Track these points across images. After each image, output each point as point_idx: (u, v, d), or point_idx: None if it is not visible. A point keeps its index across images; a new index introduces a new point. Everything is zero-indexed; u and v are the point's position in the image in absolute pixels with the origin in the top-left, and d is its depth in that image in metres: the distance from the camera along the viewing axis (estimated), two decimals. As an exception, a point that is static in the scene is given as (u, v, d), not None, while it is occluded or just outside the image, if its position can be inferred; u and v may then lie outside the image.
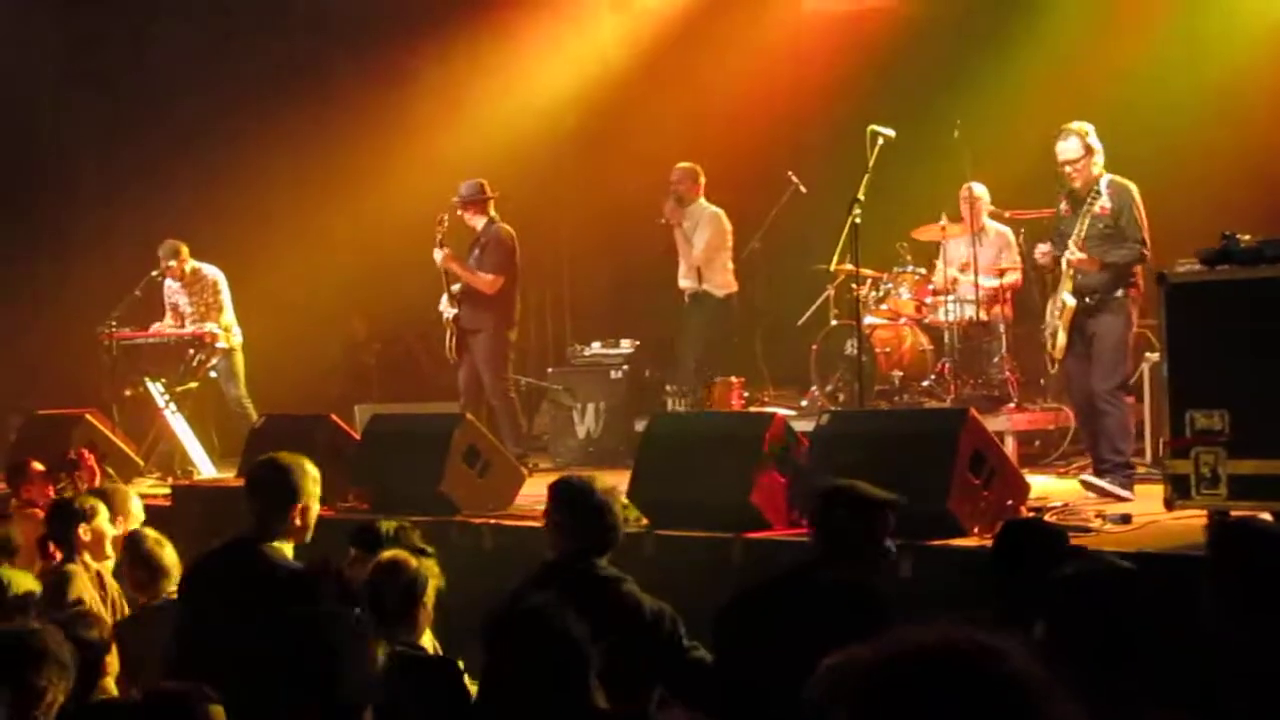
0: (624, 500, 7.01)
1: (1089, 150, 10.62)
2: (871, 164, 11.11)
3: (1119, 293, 10.65)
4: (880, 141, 11.22)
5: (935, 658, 2.35)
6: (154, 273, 15.04)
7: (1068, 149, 10.66)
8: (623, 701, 6.21)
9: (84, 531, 8.64)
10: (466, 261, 13.73)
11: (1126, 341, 10.75)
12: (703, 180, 13.81)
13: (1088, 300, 10.64)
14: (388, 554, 6.95)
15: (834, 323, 14.42)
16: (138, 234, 15.86)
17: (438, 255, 13.63)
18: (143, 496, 12.54)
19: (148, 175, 18.07)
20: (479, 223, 13.75)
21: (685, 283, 13.88)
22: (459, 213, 13.77)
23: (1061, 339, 10.75)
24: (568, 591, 6.54)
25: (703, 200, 13.80)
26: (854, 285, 12.45)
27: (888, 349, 14.05)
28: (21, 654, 5.38)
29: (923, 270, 14.19)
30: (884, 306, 14.23)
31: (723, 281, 13.72)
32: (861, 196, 10.98)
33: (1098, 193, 10.48)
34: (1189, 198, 13.94)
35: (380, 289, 17.72)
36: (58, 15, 18.96)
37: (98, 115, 19.07)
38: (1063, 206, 11.00)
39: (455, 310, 13.70)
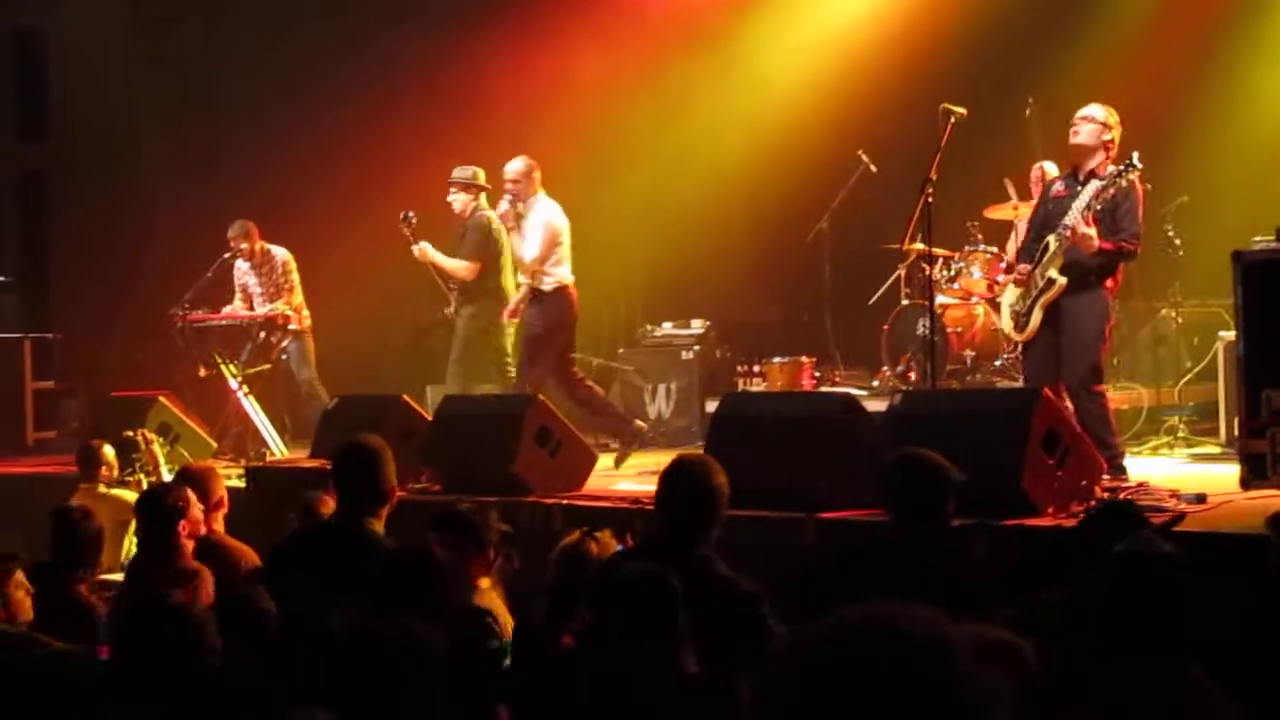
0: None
1: (1106, 126, 10.30)
2: (944, 143, 11.00)
3: (1097, 280, 10.31)
4: (952, 120, 11.10)
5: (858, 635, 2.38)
6: (226, 255, 15.14)
7: (1093, 109, 10.40)
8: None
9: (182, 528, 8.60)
10: (457, 249, 13.75)
11: (1104, 332, 10.41)
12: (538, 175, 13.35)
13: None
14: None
15: (905, 302, 14.37)
16: (210, 217, 15.94)
17: (415, 250, 13.65)
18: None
19: (220, 158, 18.17)
20: (468, 209, 13.70)
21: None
22: (449, 198, 13.78)
23: (1036, 319, 10.38)
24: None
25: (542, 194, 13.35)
26: (925, 265, 12.38)
27: (959, 328, 14.00)
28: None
29: (994, 249, 14.10)
30: (956, 286, 14.15)
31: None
32: (934, 176, 10.87)
33: (1120, 174, 10.09)
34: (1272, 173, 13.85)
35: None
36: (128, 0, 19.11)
37: (170, 98, 19.17)
38: (1058, 186, 10.70)
39: (455, 302, 13.71)
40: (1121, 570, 5.01)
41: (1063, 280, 10.22)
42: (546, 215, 13.10)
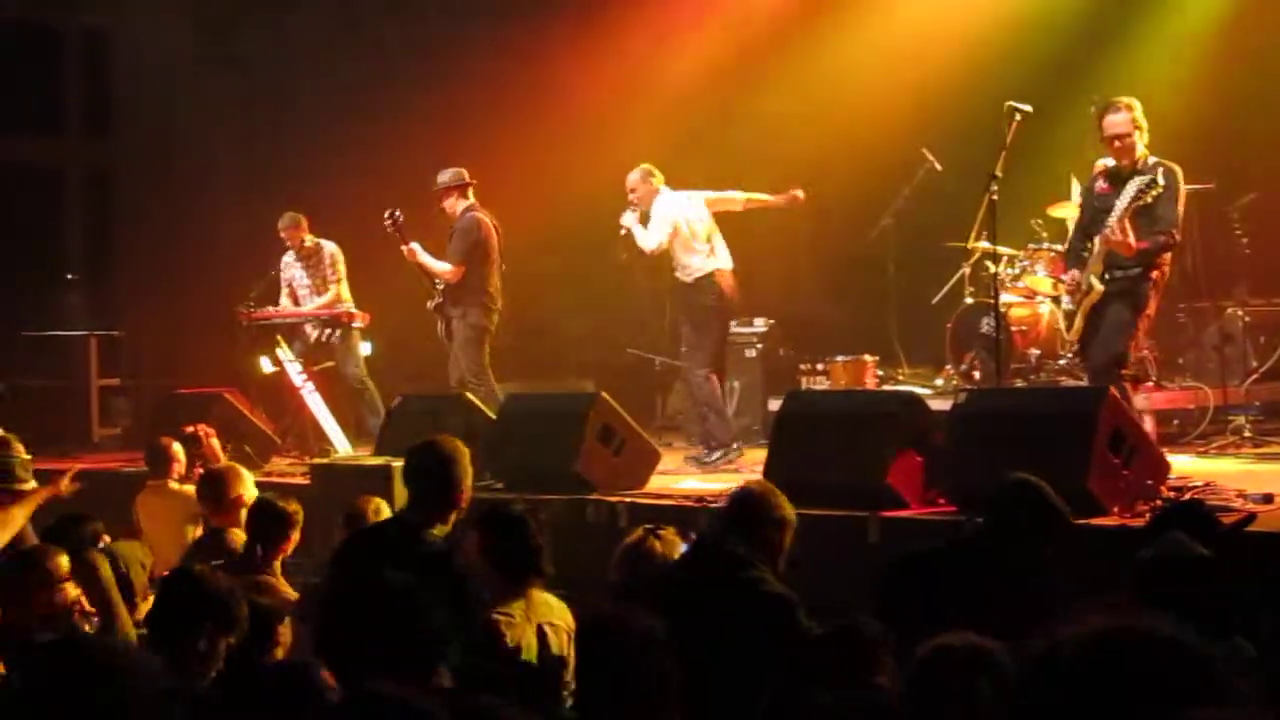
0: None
1: (1137, 126, 10.47)
2: (1009, 140, 10.97)
3: (1139, 271, 10.49)
4: (1018, 117, 11.07)
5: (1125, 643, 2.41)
6: (286, 256, 15.18)
7: (1117, 122, 10.53)
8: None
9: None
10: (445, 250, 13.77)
11: (1135, 322, 10.57)
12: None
13: (1106, 276, 10.51)
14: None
15: (969, 300, 14.31)
16: (275, 215, 15.97)
17: (404, 250, 13.65)
18: (281, 475, 12.71)
19: (283, 157, 18.21)
20: (458, 209, 13.74)
21: None
22: (441, 203, 13.82)
23: (1078, 324, 10.68)
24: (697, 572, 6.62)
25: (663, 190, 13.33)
26: (989, 263, 12.33)
27: (1024, 327, 13.92)
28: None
29: (1059, 247, 14.01)
30: (1020, 284, 14.07)
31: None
32: (999, 173, 10.85)
33: (1154, 181, 10.22)
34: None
35: (514, 267, 17.76)
36: (193, 0, 19.21)
37: (233, 98, 19.25)
38: (1100, 184, 10.80)
39: (439, 299, 13.71)
40: (1153, 574, 4.99)
41: (1100, 287, 10.48)
42: (662, 208, 13.10)
